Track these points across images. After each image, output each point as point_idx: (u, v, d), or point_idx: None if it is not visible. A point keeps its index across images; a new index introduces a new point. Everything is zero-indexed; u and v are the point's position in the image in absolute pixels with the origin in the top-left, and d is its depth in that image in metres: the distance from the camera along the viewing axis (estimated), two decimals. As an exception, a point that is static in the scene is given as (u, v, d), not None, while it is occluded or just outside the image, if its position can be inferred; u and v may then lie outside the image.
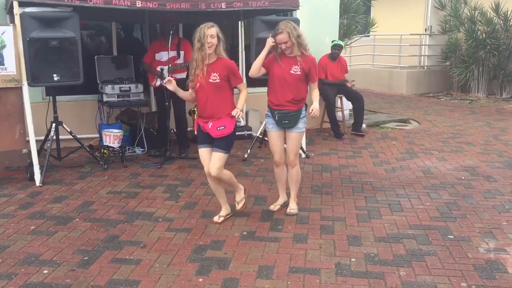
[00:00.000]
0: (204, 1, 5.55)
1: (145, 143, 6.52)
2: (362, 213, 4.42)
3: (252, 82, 7.58)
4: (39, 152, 5.44)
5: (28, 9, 5.01)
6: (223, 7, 5.67)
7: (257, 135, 6.79)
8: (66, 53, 5.20)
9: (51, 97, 5.71)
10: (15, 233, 3.91)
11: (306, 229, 4.04)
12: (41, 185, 5.08)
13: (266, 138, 6.81)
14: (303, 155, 6.35)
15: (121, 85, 6.20)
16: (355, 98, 7.76)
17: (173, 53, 6.06)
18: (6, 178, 5.29)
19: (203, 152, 4.06)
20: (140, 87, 6.38)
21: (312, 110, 4.11)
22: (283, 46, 4.10)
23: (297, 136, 4.29)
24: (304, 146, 6.41)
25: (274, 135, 4.32)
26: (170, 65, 5.96)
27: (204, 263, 3.43)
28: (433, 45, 13.24)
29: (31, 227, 4.03)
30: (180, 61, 6.18)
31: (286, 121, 4.21)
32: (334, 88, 7.72)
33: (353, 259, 3.51)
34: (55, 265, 3.38)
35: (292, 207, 4.41)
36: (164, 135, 6.19)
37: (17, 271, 3.28)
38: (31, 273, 3.26)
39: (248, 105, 7.74)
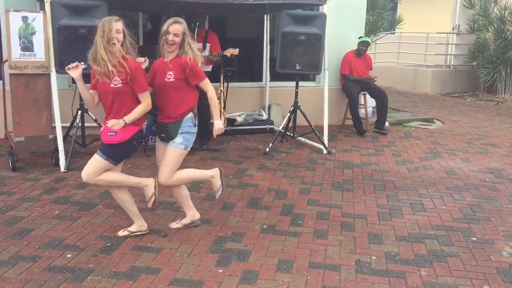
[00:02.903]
0: (232, -7, 5.56)
1: (167, 133, 6.55)
2: (383, 211, 4.39)
3: (275, 76, 7.62)
4: (64, 138, 5.53)
5: (58, -3, 5.07)
6: (250, 0, 5.66)
7: (279, 129, 6.78)
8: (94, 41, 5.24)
9: (77, 84, 5.78)
10: (40, 217, 3.99)
11: (327, 225, 4.03)
12: (65, 171, 5.16)
13: (288, 133, 6.84)
14: (325, 151, 6.32)
15: (146, 75, 6.23)
16: (379, 95, 7.68)
17: (199, 45, 6.08)
18: (32, 163, 5.39)
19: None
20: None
21: (217, 129, 3.65)
22: (170, 37, 3.49)
23: (171, 152, 3.60)
24: (326, 142, 6.38)
25: (158, 147, 3.77)
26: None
27: (224, 255, 3.45)
28: (460, 44, 13.01)
29: (55, 212, 4.10)
30: (206, 53, 6.20)
31: (162, 134, 3.64)
32: (357, 85, 7.65)
33: (373, 257, 3.49)
34: (78, 249, 3.44)
35: (182, 221, 3.90)
36: (187, 126, 6.21)
37: (41, 254, 3.35)
38: (55, 256, 3.33)
39: (271, 99, 7.74)
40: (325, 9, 6.29)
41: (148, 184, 3.63)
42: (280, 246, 3.62)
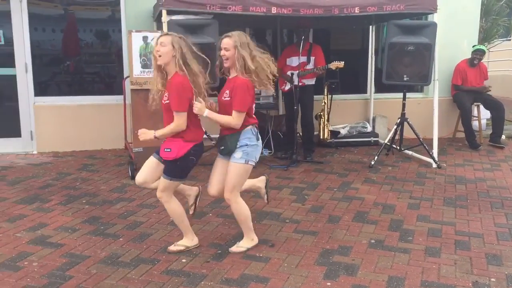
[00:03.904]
0: (338, 6, 5.56)
1: (272, 145, 6.70)
2: (502, 230, 4.09)
3: (380, 88, 7.46)
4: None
5: (174, 17, 5.42)
6: (356, 11, 5.63)
7: (385, 142, 6.62)
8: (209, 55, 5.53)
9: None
10: (157, 223, 4.26)
11: (439, 243, 3.85)
12: (178, 180, 5.45)
13: (394, 145, 6.64)
14: (434, 165, 6.04)
15: (252, 89, 6.43)
16: (495, 106, 7.19)
17: (303, 59, 6.16)
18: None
19: (149, 159, 3.68)
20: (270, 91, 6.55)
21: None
22: (222, 53, 3.49)
23: (232, 168, 3.53)
24: (435, 155, 6.10)
25: (216, 161, 3.73)
26: (300, 70, 6.07)
27: (332, 268, 3.43)
28: None
29: (170, 219, 4.34)
30: (310, 66, 6.25)
31: (222, 146, 3.59)
32: (471, 96, 7.24)
33: (492, 279, 3.27)
34: (192, 255, 3.62)
35: (240, 244, 3.76)
36: (291, 138, 6.31)
37: (159, 258, 3.57)
38: (171, 260, 3.53)
39: (375, 111, 7.59)
40: (435, 17, 6.05)
41: (192, 238, 3.73)
42: (390, 262, 3.52)
